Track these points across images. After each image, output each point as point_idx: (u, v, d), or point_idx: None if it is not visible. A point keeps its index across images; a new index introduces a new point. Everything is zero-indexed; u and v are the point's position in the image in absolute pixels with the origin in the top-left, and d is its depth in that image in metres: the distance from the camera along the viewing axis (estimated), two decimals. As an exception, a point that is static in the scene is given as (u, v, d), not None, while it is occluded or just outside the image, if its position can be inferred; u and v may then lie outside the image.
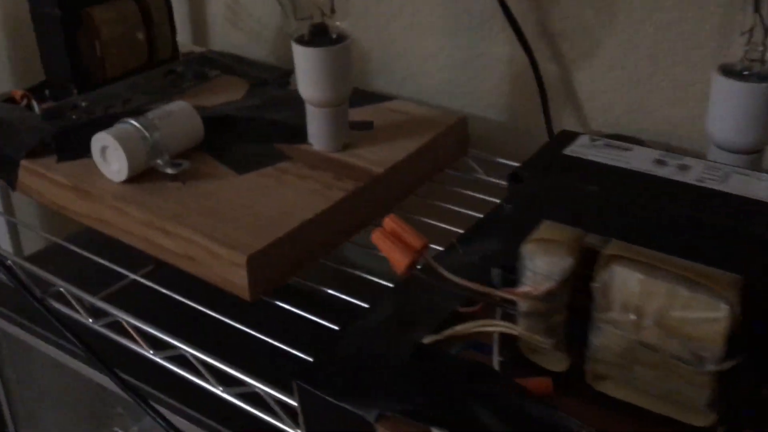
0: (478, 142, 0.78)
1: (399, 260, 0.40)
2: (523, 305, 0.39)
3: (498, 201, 0.70)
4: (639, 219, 0.41)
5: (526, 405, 0.40)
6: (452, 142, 0.75)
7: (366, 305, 0.58)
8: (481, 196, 0.71)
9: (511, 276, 0.41)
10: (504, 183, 0.73)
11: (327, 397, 0.44)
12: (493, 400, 0.41)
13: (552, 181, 0.44)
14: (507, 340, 0.44)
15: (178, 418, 0.69)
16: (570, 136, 0.49)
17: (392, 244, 0.40)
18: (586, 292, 0.37)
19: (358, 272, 0.63)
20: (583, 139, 0.48)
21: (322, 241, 0.63)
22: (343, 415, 0.44)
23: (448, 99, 0.81)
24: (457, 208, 0.70)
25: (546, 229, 0.39)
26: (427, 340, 0.45)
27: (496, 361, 0.43)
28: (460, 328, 0.42)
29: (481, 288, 0.39)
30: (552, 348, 0.39)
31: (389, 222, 0.41)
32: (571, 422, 0.39)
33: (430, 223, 0.68)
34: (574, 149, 0.48)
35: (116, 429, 0.94)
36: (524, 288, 0.38)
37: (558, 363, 0.40)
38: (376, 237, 0.41)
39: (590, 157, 0.46)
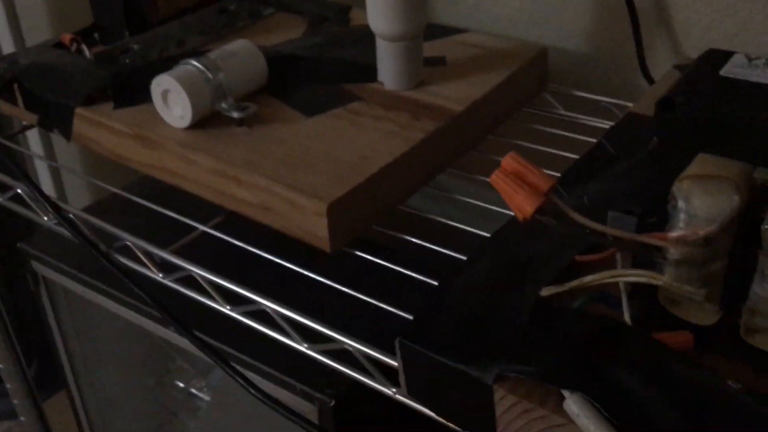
0: (556, 75, 0.73)
1: (524, 204, 0.36)
2: (674, 252, 0.34)
3: (582, 138, 0.65)
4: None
5: (669, 363, 0.36)
6: (532, 77, 0.69)
7: (453, 254, 0.53)
8: (563, 133, 0.66)
9: (649, 219, 0.36)
10: (586, 118, 0.68)
11: (438, 357, 0.40)
12: (631, 359, 0.36)
13: (712, 108, 0.39)
14: (636, 291, 0.40)
15: (253, 375, 0.66)
16: (721, 56, 0.43)
17: (517, 186, 0.35)
18: (751, 235, 0.32)
19: (436, 218, 0.59)
20: (739, 58, 0.43)
21: (402, 187, 0.59)
22: (453, 375, 0.40)
23: (522, 29, 0.75)
24: (538, 147, 0.65)
25: (704, 163, 0.34)
26: (546, 292, 0.40)
27: (627, 314, 0.38)
28: (589, 279, 0.37)
29: (622, 234, 0.34)
30: (704, 299, 0.34)
31: (510, 161, 0.36)
32: (722, 381, 0.35)
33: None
34: (730, 70, 0.42)
35: (177, 383, 0.92)
36: (678, 232, 0.33)
37: (706, 316, 0.36)
38: (496, 178, 0.36)
39: (754, 79, 0.40)
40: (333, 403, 0.63)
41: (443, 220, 0.59)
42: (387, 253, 0.56)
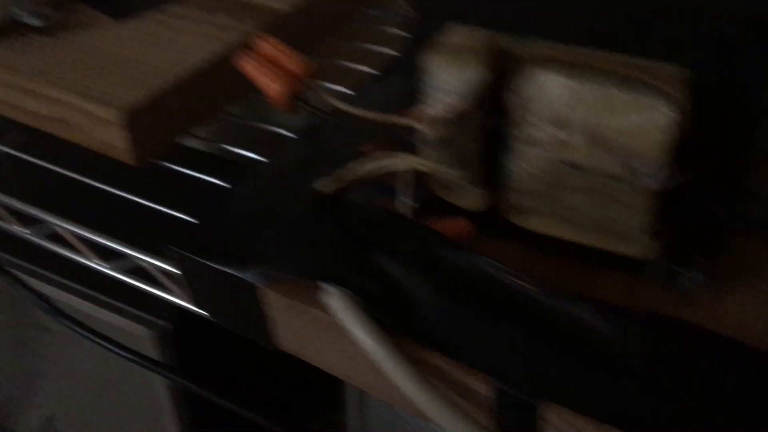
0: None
1: (274, 89, 0.32)
2: (428, 132, 0.31)
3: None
4: (570, 10, 0.32)
5: (438, 250, 0.34)
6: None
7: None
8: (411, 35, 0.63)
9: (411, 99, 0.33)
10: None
11: (206, 262, 0.37)
12: (400, 248, 0.34)
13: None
14: (419, 179, 0.37)
15: (88, 303, 0.62)
16: None
17: (269, 71, 0.32)
18: (504, 108, 0.29)
19: (264, 126, 0.55)
20: None
21: (220, 92, 0.55)
22: (229, 281, 0.37)
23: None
24: (383, 50, 0.61)
25: (451, 33, 0.30)
26: (320, 186, 0.37)
27: (404, 203, 0.36)
28: (358, 169, 0.34)
29: (372, 115, 0.31)
30: (465, 182, 0.32)
31: (264, 44, 0.32)
32: (493, 266, 0.33)
33: (351, 67, 0.60)
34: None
35: (33, 317, 0.87)
36: (425, 110, 0.30)
37: (475, 200, 0.33)
38: (244, 62, 0.33)
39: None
40: (172, 328, 0.60)
41: (271, 128, 0.55)
42: (204, 161, 0.52)
